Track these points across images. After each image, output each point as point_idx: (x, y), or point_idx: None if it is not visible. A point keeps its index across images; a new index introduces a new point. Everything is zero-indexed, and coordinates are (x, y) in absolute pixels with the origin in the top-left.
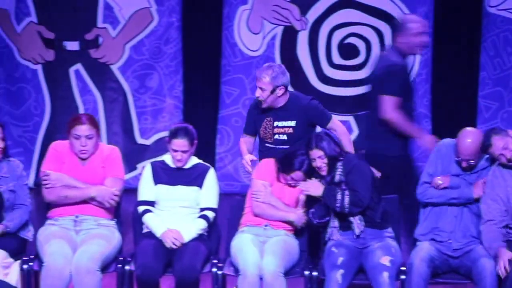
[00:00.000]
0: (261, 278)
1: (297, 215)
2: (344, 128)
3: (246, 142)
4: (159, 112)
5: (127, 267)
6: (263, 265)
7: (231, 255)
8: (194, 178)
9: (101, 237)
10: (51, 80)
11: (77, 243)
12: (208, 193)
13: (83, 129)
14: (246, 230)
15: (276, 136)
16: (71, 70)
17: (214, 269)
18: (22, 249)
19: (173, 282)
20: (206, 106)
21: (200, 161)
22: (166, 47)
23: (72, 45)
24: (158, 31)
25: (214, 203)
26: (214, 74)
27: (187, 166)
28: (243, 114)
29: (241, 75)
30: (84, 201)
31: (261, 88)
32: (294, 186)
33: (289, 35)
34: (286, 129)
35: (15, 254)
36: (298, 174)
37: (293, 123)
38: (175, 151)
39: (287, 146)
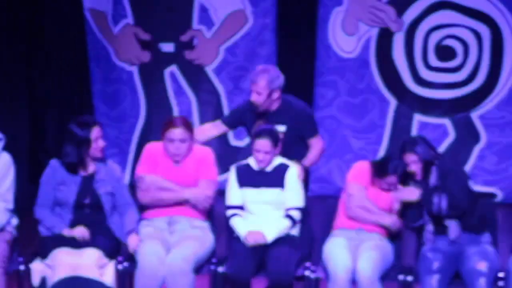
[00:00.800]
0: (353, 283)
1: (392, 219)
2: (322, 147)
3: (214, 129)
4: None
5: (220, 269)
6: (358, 269)
7: (323, 259)
8: (276, 179)
9: (194, 238)
10: (147, 81)
11: (170, 244)
12: (291, 192)
13: (177, 132)
14: (339, 234)
15: None
16: (166, 72)
17: (307, 273)
18: (117, 249)
19: (264, 284)
20: None
21: (284, 160)
22: (260, 49)
23: (168, 47)
24: (253, 33)
25: (298, 202)
26: (308, 76)
27: (271, 167)
28: (337, 116)
29: (335, 77)
30: (178, 203)
31: (257, 92)
32: (389, 191)
33: (385, 37)
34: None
35: (110, 254)
36: (392, 178)
37: (283, 128)
38: (258, 151)
39: None
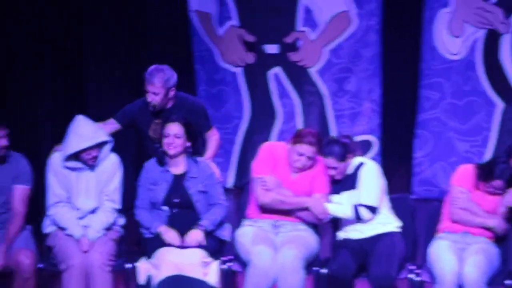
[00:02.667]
0: (459, 287)
1: (497, 221)
2: (218, 139)
3: (106, 126)
4: (356, 116)
5: (323, 270)
6: (464, 274)
7: (428, 262)
8: (354, 180)
9: (301, 238)
10: (251, 83)
11: (277, 245)
12: (362, 189)
13: (307, 150)
14: (444, 237)
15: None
16: (270, 73)
17: (411, 276)
18: (220, 248)
19: (367, 285)
20: (404, 110)
21: (362, 160)
22: (365, 50)
23: (272, 48)
24: (357, 34)
25: (369, 200)
26: (413, 78)
27: (350, 171)
28: (442, 119)
29: (440, 79)
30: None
31: (154, 93)
32: (494, 194)
33: (492, 38)
34: None
35: (213, 254)
36: (498, 182)
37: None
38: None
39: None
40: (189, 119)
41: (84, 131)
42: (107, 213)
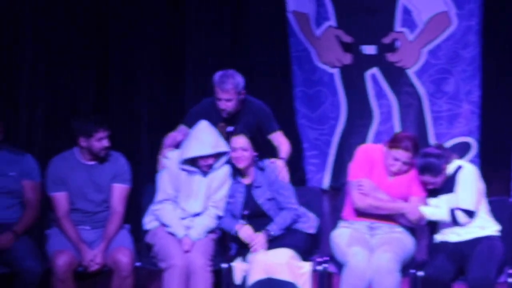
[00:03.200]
0: None
1: None
2: (286, 141)
3: (179, 134)
4: (455, 117)
5: (419, 273)
6: None
7: None
8: (452, 184)
9: (397, 240)
10: (347, 83)
11: (372, 246)
12: (459, 193)
13: (403, 155)
14: None
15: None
16: (367, 74)
17: (511, 280)
18: (310, 247)
19: None
20: (503, 111)
21: (460, 162)
22: (464, 51)
23: (369, 49)
24: (456, 35)
25: (464, 203)
26: None
27: (448, 173)
28: None
29: None
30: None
31: (227, 100)
32: None
33: None
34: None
35: (303, 253)
36: None
37: (231, 128)
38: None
39: None
40: (257, 122)
41: (206, 139)
42: (211, 218)
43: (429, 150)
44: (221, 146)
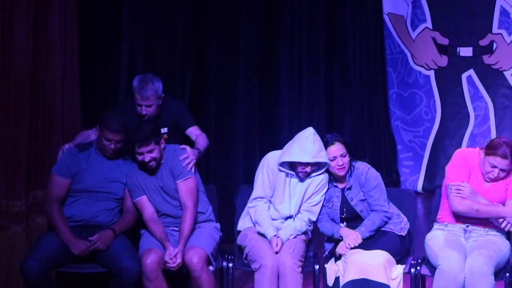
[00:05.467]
0: None
1: None
2: (202, 134)
3: (92, 134)
4: None
5: None
6: None
7: None
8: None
9: (492, 243)
10: (443, 85)
11: (466, 249)
12: None
13: (500, 162)
14: None
15: None
16: (463, 76)
17: None
18: (404, 249)
19: None
20: None
21: None
22: None
23: (466, 51)
24: None
25: None
26: None
27: None
28: None
29: None
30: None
31: (147, 106)
32: None
33: None
34: (163, 135)
35: (397, 255)
36: None
37: (165, 129)
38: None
39: None
40: (174, 119)
41: (309, 147)
42: (303, 222)
43: None
44: (322, 157)
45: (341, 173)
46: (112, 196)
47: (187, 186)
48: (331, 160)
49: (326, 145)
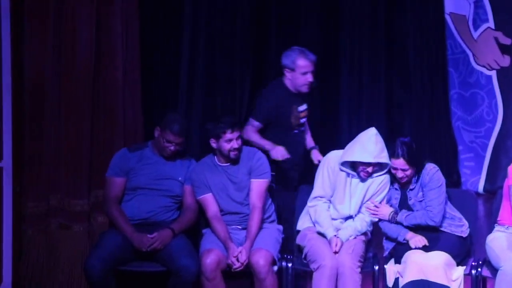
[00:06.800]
0: None
1: None
2: None
3: (257, 133)
4: None
5: None
6: None
7: None
8: None
9: None
10: (505, 86)
11: None
12: None
13: None
14: None
15: (301, 121)
16: None
17: None
18: (466, 251)
19: None
20: None
21: None
22: None
23: None
24: None
25: None
26: None
27: None
28: None
29: None
30: None
31: (312, 72)
32: None
33: None
34: (305, 112)
35: (458, 256)
36: None
37: (305, 106)
38: None
39: (303, 128)
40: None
41: (371, 147)
42: (363, 222)
43: None
44: (383, 157)
45: (402, 181)
46: (167, 193)
47: (261, 186)
48: (393, 170)
49: (391, 156)
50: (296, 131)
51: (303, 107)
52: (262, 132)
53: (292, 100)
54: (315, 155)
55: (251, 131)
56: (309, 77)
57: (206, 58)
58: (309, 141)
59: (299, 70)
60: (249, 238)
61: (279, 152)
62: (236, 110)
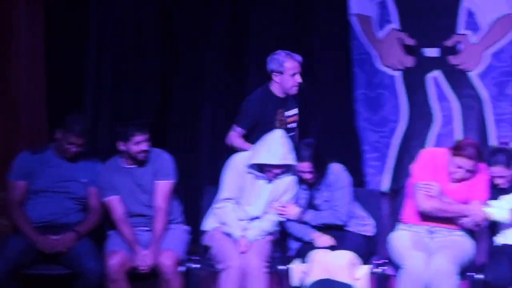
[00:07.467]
0: None
1: None
2: None
3: (241, 138)
4: None
5: (479, 276)
6: None
7: None
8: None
9: (456, 243)
10: (409, 86)
11: (431, 250)
12: None
13: (466, 163)
14: None
15: (289, 126)
16: (429, 77)
17: None
18: (370, 250)
19: None
20: None
21: None
22: None
23: (432, 52)
24: None
25: None
26: None
27: None
28: None
29: None
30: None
31: (301, 74)
32: None
33: None
34: (295, 117)
35: (362, 255)
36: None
37: (295, 111)
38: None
39: (293, 134)
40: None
41: (277, 149)
42: (269, 222)
43: (500, 144)
44: (290, 159)
45: (309, 182)
46: (70, 196)
47: (166, 187)
48: (299, 172)
49: (298, 159)
50: None
51: (292, 112)
52: (247, 137)
53: (279, 105)
54: None
55: (235, 136)
56: (298, 78)
57: (113, 59)
58: None
59: (288, 72)
60: (155, 240)
61: None
62: (144, 111)
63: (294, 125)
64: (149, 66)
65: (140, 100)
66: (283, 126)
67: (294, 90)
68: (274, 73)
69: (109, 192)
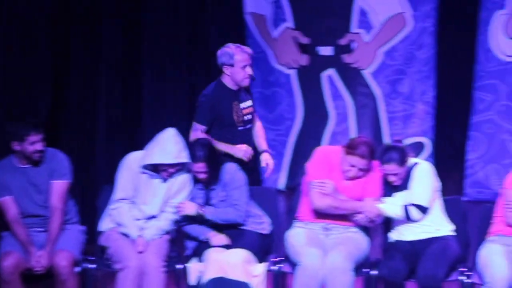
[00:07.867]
0: None
1: None
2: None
3: (203, 135)
4: (409, 118)
5: (373, 272)
6: None
7: (479, 265)
8: (407, 181)
9: (352, 239)
10: (304, 84)
11: (327, 246)
12: (413, 189)
13: (359, 162)
14: (496, 240)
15: (245, 118)
16: (324, 75)
17: (461, 278)
18: (265, 248)
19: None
20: (458, 112)
21: (416, 160)
22: (419, 52)
23: (326, 50)
24: (412, 37)
25: (417, 199)
26: (467, 80)
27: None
28: (495, 120)
29: (495, 81)
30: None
31: (250, 65)
32: None
33: None
34: (250, 109)
35: (258, 253)
36: None
37: (250, 103)
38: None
39: (249, 126)
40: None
41: (170, 148)
42: (166, 221)
43: (392, 142)
44: (183, 157)
45: (201, 178)
46: None
47: (61, 187)
48: (195, 172)
49: (192, 159)
50: (240, 128)
51: (246, 104)
52: (208, 132)
53: (233, 97)
54: (265, 157)
55: (197, 134)
56: (249, 70)
57: (3, 56)
58: (261, 143)
59: (238, 65)
60: (50, 241)
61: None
62: (36, 110)
63: (249, 117)
64: (40, 64)
65: (31, 99)
66: (240, 118)
67: (246, 82)
68: (225, 66)
69: (2, 193)
